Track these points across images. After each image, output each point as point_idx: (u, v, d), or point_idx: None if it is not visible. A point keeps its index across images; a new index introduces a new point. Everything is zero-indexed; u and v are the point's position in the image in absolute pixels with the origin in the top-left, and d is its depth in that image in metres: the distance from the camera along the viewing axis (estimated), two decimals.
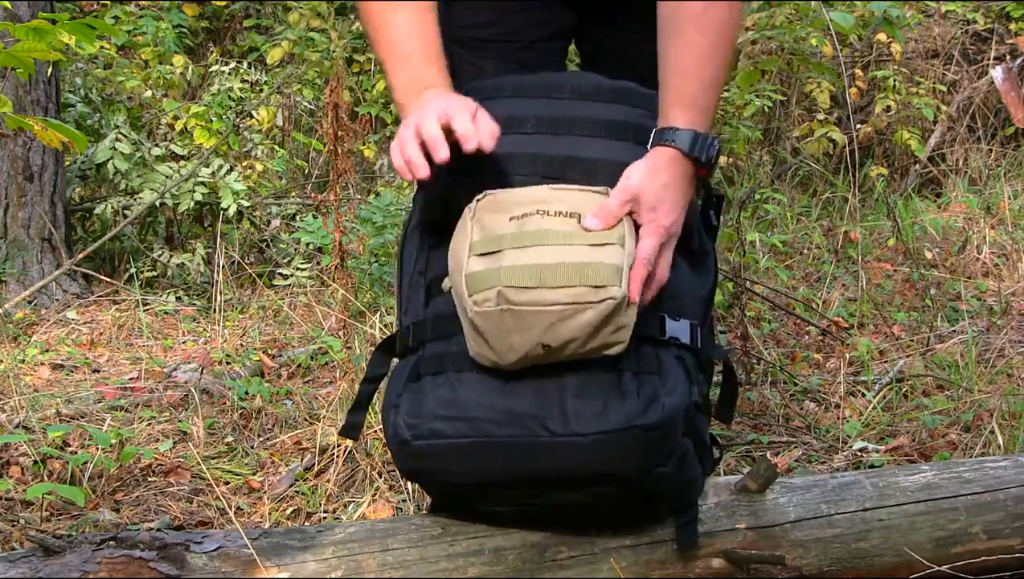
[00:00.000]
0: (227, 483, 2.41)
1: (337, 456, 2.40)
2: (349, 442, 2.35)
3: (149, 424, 2.68)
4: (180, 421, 2.69)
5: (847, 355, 3.10)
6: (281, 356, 3.20)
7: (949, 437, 2.57)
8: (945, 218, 4.56)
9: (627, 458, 1.50)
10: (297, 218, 4.36)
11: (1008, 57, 5.41)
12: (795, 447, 2.58)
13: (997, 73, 5.09)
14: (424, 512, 1.87)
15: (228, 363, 3.13)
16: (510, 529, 1.58)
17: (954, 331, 3.31)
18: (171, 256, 3.95)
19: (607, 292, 1.44)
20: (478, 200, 1.55)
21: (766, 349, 3.17)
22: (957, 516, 1.73)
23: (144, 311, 3.53)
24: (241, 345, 3.28)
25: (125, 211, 4.00)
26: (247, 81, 4.78)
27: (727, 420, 1.78)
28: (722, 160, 4.72)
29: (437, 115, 1.52)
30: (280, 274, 3.94)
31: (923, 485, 1.75)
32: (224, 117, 4.26)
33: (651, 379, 1.52)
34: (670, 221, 1.54)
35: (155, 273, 3.96)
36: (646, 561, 1.57)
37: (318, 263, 3.92)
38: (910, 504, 1.72)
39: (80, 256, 3.57)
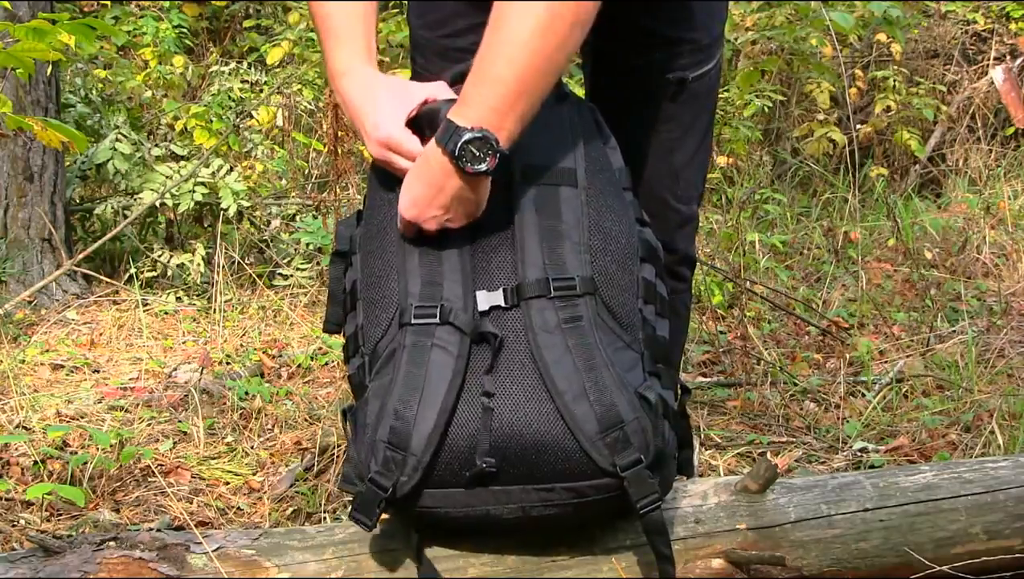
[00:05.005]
0: (227, 483, 2.41)
1: (337, 456, 2.40)
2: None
3: (149, 424, 2.68)
4: (180, 421, 2.69)
5: (847, 355, 3.10)
6: (281, 356, 3.20)
7: (949, 437, 2.57)
8: (945, 218, 4.56)
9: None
10: (297, 218, 4.35)
11: (1008, 57, 5.41)
12: (795, 447, 2.58)
13: (997, 73, 5.09)
14: None
15: (228, 363, 3.13)
16: (510, 529, 1.58)
17: (954, 331, 3.32)
18: (171, 256, 3.94)
19: None
20: None
21: (766, 349, 3.17)
22: (957, 516, 1.72)
23: (144, 311, 3.53)
24: (241, 345, 3.28)
25: (125, 211, 3.99)
26: (247, 81, 4.78)
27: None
28: (722, 160, 4.72)
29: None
30: (280, 274, 3.94)
31: (923, 485, 1.75)
32: (224, 117, 4.26)
33: None
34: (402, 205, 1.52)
35: (155, 273, 3.96)
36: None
37: (318, 263, 3.91)
38: (910, 504, 1.72)
39: (80, 256, 3.56)
